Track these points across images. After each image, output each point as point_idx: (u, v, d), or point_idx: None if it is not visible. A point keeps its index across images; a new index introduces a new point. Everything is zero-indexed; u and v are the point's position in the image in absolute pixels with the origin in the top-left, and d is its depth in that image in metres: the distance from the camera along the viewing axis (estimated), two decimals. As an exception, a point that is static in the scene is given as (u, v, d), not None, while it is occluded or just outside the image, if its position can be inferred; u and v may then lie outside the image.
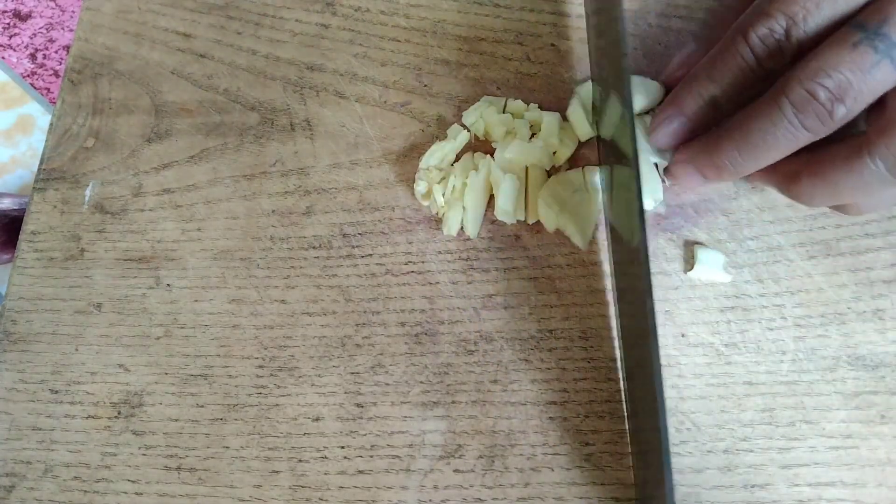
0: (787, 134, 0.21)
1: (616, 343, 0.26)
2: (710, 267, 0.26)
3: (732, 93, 0.22)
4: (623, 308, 0.25)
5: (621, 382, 0.25)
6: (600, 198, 0.27)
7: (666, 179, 0.26)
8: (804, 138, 0.21)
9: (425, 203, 0.28)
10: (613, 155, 0.25)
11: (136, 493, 0.26)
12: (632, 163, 0.22)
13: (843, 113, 0.20)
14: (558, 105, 0.28)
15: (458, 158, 0.28)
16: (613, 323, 0.26)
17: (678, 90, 0.24)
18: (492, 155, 0.28)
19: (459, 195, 0.27)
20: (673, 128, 0.24)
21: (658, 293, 0.26)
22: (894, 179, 0.20)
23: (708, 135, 0.24)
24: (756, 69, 0.22)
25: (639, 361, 0.22)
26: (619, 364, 0.25)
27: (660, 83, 0.27)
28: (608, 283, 0.26)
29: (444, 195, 0.27)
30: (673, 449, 0.25)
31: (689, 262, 0.26)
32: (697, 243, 0.26)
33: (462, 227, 0.27)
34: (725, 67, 0.22)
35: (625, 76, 0.23)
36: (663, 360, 0.25)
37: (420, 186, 0.27)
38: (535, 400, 0.25)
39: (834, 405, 0.25)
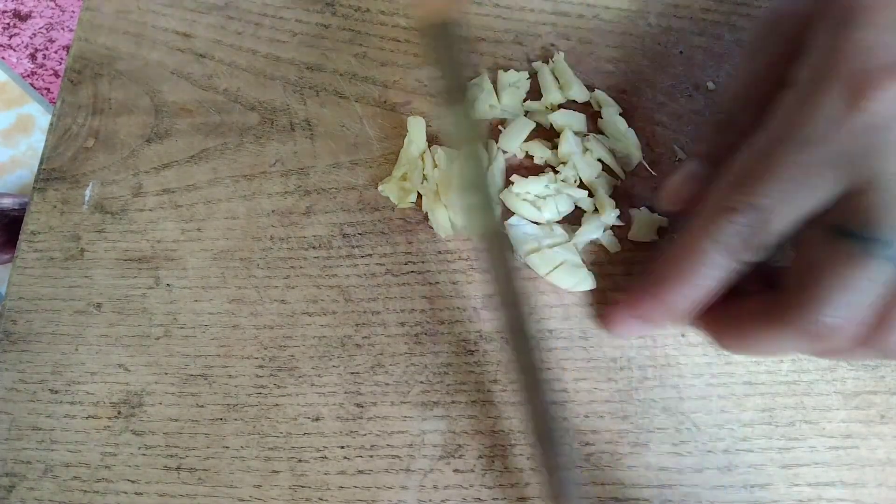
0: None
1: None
2: (645, 228, 0.26)
3: (703, 295, 0.21)
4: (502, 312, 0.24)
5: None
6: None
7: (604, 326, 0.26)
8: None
9: (402, 206, 0.28)
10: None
11: (136, 493, 0.26)
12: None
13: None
14: (558, 105, 0.28)
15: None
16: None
17: (638, 294, 0.22)
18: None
19: (436, 195, 0.27)
20: (629, 326, 0.24)
21: (658, 293, 0.26)
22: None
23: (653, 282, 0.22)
24: (729, 265, 0.20)
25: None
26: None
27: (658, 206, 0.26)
28: (608, 284, 0.26)
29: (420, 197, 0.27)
30: (673, 449, 0.25)
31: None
32: (634, 207, 0.27)
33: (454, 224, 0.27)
34: (696, 267, 0.20)
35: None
36: (663, 360, 0.25)
37: (392, 194, 0.28)
38: (535, 400, 0.25)
39: (834, 405, 0.25)
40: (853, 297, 0.18)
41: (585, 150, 0.27)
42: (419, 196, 0.28)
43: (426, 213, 0.27)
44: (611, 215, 0.26)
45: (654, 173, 0.27)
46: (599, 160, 0.27)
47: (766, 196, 0.19)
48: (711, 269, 0.20)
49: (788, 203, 0.19)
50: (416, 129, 0.28)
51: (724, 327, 0.22)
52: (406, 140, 0.28)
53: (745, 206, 0.19)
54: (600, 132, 0.28)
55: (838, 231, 0.19)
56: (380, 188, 0.28)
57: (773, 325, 0.20)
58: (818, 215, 0.19)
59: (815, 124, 0.18)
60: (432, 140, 0.29)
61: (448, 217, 0.27)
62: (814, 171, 0.18)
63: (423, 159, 0.28)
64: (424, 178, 0.27)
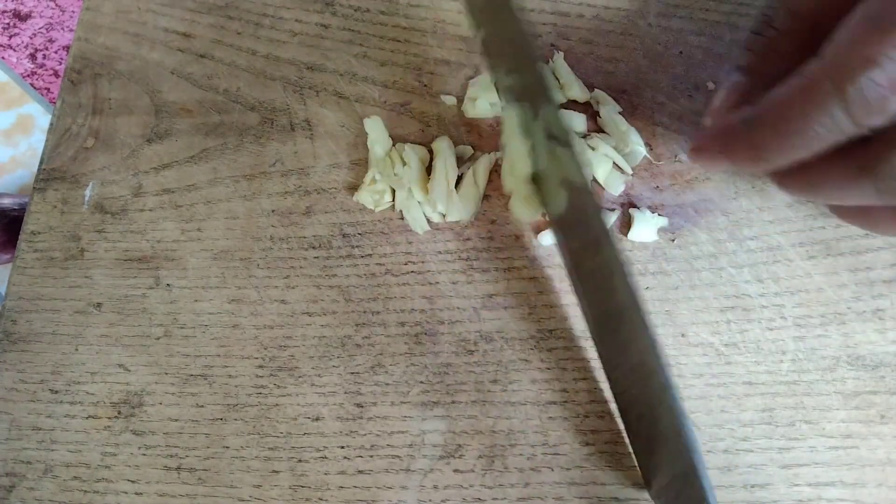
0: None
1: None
2: (645, 228, 0.26)
3: (803, 152, 0.18)
4: (590, 291, 0.22)
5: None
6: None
7: (687, 156, 0.24)
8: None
9: (377, 209, 0.28)
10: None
11: (136, 493, 0.26)
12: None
13: None
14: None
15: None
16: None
17: (733, 132, 0.20)
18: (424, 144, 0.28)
19: (409, 192, 0.27)
20: (717, 165, 0.21)
21: (658, 293, 0.26)
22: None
23: (747, 120, 0.19)
24: (846, 129, 0.17)
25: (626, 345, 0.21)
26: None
27: (702, 125, 0.25)
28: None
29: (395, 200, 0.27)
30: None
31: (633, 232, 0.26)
32: (634, 206, 0.27)
33: (444, 218, 0.27)
34: (806, 124, 0.17)
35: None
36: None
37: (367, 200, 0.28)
38: (535, 400, 0.25)
39: (834, 405, 0.25)
40: None
41: (592, 148, 0.27)
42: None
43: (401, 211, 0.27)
44: (609, 217, 0.26)
45: (657, 163, 0.27)
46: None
47: None
48: (829, 130, 0.17)
49: None
50: (376, 130, 0.28)
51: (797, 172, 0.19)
52: (369, 142, 0.28)
53: (888, 58, 0.16)
54: (600, 131, 0.28)
55: None
56: (354, 197, 0.28)
57: (856, 171, 0.18)
58: None
59: None
60: (396, 138, 0.29)
61: (423, 213, 0.27)
62: None
63: (390, 158, 0.28)
64: (395, 175, 0.27)
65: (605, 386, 0.25)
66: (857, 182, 0.18)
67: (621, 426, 0.25)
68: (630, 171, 0.27)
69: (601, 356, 0.24)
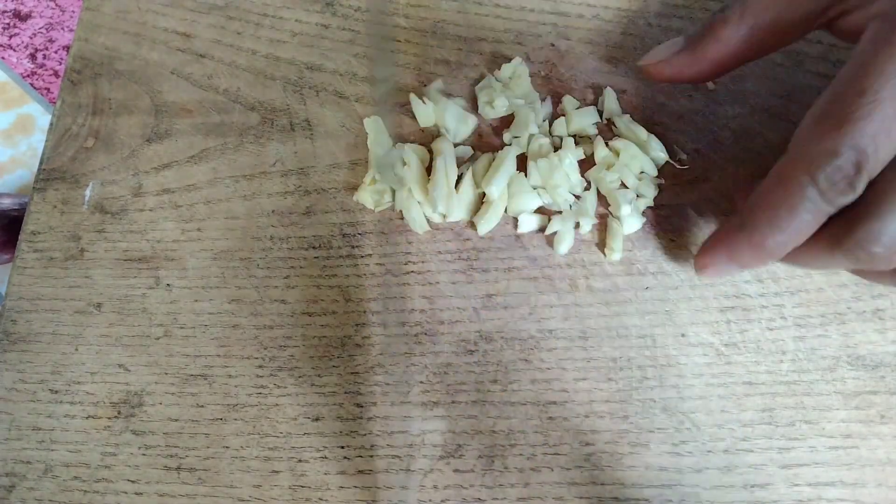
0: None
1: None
2: (632, 222, 0.26)
3: (798, 239, 0.21)
4: None
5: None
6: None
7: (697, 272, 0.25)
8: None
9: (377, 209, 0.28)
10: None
11: (136, 493, 0.26)
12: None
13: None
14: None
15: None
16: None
17: (732, 238, 0.22)
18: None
19: (409, 192, 0.27)
20: (725, 272, 0.24)
21: (658, 293, 0.26)
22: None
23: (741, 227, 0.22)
24: (826, 210, 0.20)
25: None
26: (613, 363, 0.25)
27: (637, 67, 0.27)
28: (607, 284, 0.26)
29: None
30: (673, 449, 0.25)
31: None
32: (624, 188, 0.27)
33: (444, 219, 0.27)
34: (793, 214, 0.20)
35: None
36: (663, 360, 0.25)
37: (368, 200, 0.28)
38: (535, 400, 0.25)
39: (834, 405, 0.25)
40: None
41: (617, 154, 0.27)
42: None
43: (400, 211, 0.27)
44: (587, 223, 0.26)
45: (682, 166, 0.27)
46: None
47: (865, 135, 0.18)
48: (810, 214, 0.20)
49: (887, 140, 0.18)
50: (376, 130, 0.28)
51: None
52: (369, 142, 0.28)
53: (846, 148, 0.18)
54: (613, 136, 0.28)
55: None
56: (354, 197, 0.28)
57: (828, 245, 0.20)
58: None
59: None
60: (398, 138, 0.29)
61: (423, 213, 0.27)
62: None
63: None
64: (395, 175, 0.27)
65: (605, 386, 0.25)
66: (833, 254, 0.20)
67: (622, 426, 0.25)
68: (656, 176, 0.27)
69: None
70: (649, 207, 0.27)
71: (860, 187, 0.19)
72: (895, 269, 0.20)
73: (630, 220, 0.26)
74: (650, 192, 0.27)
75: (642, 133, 0.27)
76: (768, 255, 0.21)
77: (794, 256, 0.22)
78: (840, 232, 0.20)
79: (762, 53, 0.23)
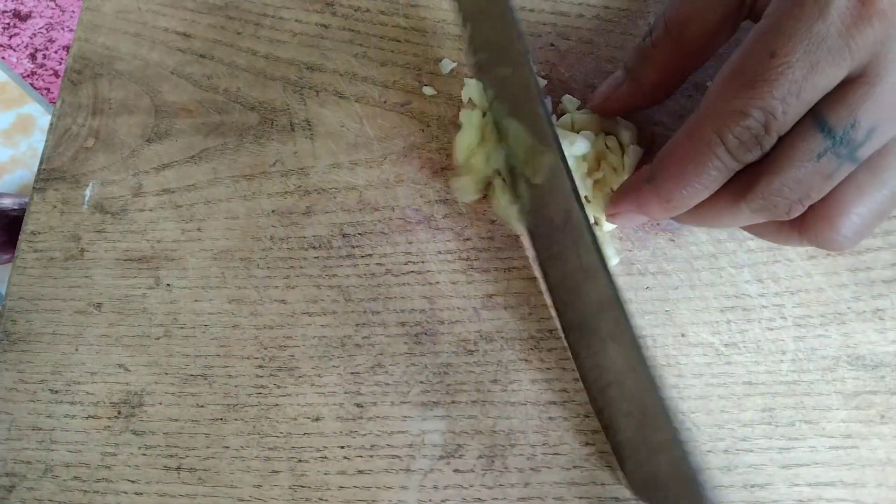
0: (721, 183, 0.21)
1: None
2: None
3: (704, 193, 0.21)
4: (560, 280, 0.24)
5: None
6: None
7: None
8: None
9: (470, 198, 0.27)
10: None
11: (136, 493, 0.26)
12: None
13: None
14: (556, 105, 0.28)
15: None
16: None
17: (640, 189, 0.23)
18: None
19: (502, 182, 0.26)
20: (633, 220, 0.25)
21: (658, 293, 0.26)
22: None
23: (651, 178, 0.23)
24: (732, 167, 0.21)
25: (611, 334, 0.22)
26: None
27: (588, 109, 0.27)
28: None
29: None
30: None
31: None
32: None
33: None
34: (700, 170, 0.21)
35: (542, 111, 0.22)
36: (663, 360, 0.25)
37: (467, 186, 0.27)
38: (535, 400, 0.25)
39: (834, 405, 0.25)
40: (802, 179, 0.19)
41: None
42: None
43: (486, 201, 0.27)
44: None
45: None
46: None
47: (775, 97, 0.19)
48: (717, 170, 0.20)
49: (796, 101, 0.19)
50: (475, 93, 0.28)
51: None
52: (466, 115, 0.28)
53: (755, 108, 0.19)
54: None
55: (822, 126, 0.19)
56: (452, 186, 0.27)
57: (732, 198, 0.21)
58: None
59: (826, 18, 0.18)
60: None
61: (477, 182, 0.27)
62: (822, 67, 0.18)
63: (483, 145, 0.27)
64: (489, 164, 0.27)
65: (605, 386, 0.25)
66: (738, 206, 0.21)
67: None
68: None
69: (577, 357, 0.25)
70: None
71: (767, 146, 0.20)
72: (792, 221, 0.21)
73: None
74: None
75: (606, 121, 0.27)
76: (674, 208, 0.22)
77: (700, 210, 0.22)
78: (745, 186, 0.20)
79: (702, 61, 0.24)
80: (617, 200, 0.24)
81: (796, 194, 0.20)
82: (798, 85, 0.19)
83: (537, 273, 0.27)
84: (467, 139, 0.27)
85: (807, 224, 0.21)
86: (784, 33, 0.19)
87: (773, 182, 0.20)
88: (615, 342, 0.22)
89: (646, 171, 0.23)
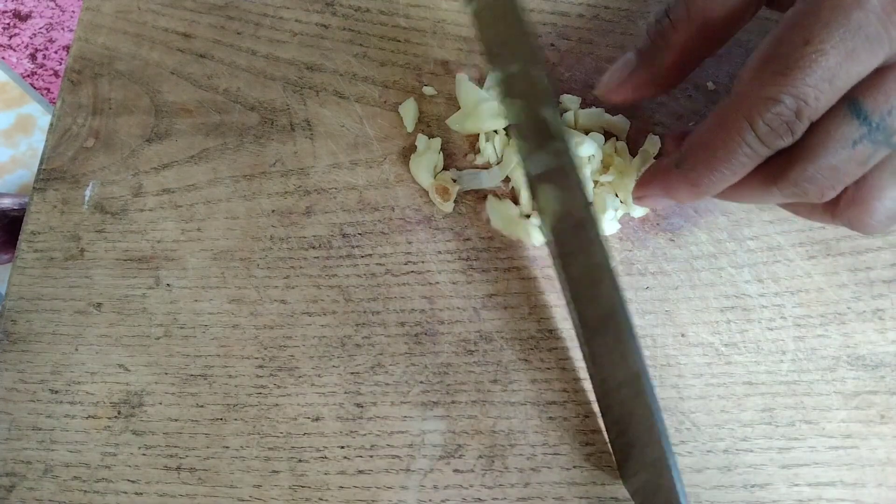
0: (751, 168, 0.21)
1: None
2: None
3: (734, 178, 0.21)
4: (581, 295, 0.23)
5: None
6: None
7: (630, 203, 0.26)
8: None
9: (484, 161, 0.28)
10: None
11: (136, 493, 0.26)
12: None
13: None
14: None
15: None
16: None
17: (668, 173, 0.23)
18: None
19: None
20: (659, 203, 0.25)
21: (658, 293, 0.26)
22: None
23: (680, 161, 0.23)
24: (762, 153, 0.20)
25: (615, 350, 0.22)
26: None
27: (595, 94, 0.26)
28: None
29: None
30: (673, 449, 0.25)
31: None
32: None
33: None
34: (730, 156, 0.20)
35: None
36: (663, 360, 0.25)
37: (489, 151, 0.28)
38: (535, 400, 0.25)
39: (834, 405, 0.25)
40: (836, 166, 0.19)
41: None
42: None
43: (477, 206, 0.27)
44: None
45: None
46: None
47: (808, 84, 0.18)
48: (747, 157, 0.20)
49: (829, 88, 0.19)
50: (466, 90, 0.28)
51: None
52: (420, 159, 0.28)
53: (787, 95, 0.19)
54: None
55: (858, 111, 0.19)
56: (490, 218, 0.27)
57: (763, 182, 0.21)
58: None
59: (865, 6, 0.18)
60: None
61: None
62: (858, 54, 0.18)
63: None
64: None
65: (605, 386, 0.25)
66: (769, 190, 0.21)
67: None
68: None
69: (587, 358, 0.24)
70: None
71: (799, 132, 0.19)
72: (825, 203, 0.21)
73: (608, 225, 0.26)
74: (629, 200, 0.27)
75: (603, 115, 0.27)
76: (704, 192, 0.22)
77: (730, 192, 0.22)
78: (777, 171, 0.20)
79: (718, 46, 0.23)
80: (645, 184, 0.24)
81: (830, 181, 0.20)
82: (832, 72, 0.18)
83: (538, 273, 0.27)
84: (424, 162, 0.28)
85: (841, 207, 0.21)
86: (820, 20, 0.18)
87: (808, 169, 0.20)
88: (620, 348, 0.22)
89: (673, 157, 0.23)
